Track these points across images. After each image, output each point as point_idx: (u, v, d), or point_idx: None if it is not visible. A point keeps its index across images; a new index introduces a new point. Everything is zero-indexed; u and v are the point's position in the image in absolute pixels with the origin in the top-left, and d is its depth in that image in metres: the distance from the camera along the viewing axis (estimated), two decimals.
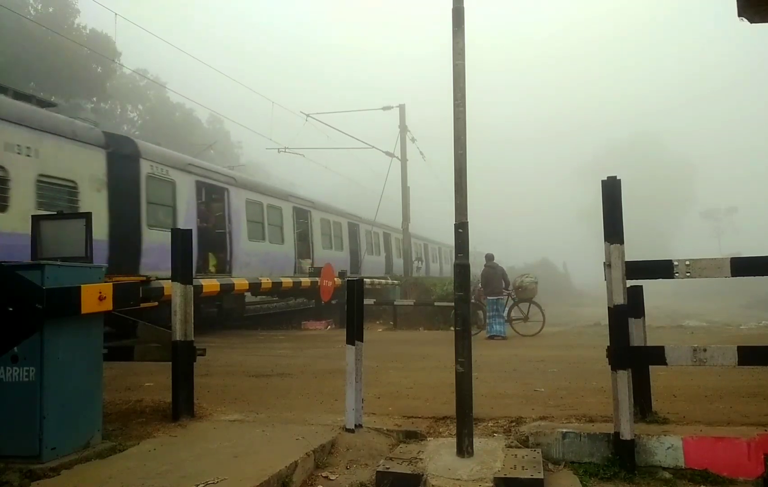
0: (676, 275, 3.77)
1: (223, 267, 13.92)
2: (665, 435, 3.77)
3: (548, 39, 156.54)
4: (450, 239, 37.81)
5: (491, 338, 12.75)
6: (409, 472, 3.48)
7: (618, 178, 3.87)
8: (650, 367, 4.36)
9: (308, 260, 18.51)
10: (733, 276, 3.70)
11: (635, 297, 4.25)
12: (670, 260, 3.82)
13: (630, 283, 3.91)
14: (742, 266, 3.69)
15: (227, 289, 12.99)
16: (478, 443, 3.90)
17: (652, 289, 5.14)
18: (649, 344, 4.33)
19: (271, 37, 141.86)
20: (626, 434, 3.63)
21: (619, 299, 3.77)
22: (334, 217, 21.43)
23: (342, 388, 4.52)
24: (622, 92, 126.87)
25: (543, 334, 13.30)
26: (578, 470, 3.72)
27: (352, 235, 23.07)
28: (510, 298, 13.74)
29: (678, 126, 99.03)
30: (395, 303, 17.01)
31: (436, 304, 16.23)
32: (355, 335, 4.49)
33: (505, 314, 13.24)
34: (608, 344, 3.84)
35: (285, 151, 23.51)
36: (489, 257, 13.82)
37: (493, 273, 13.44)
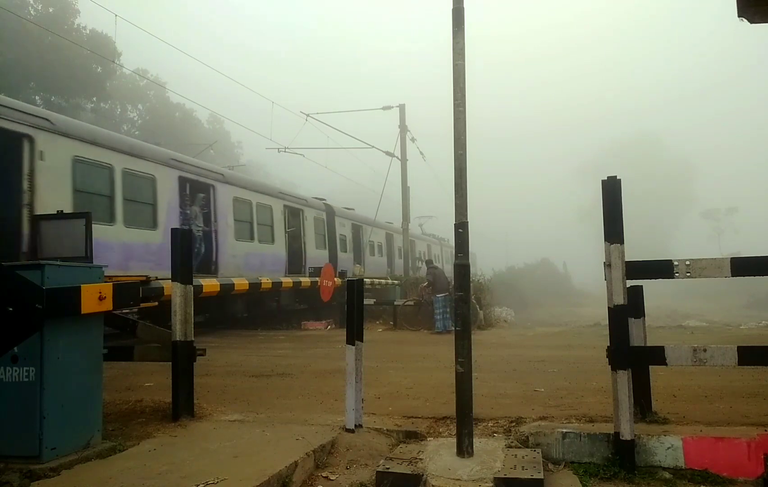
0: (676, 275, 3.77)
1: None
2: (665, 435, 3.77)
3: (548, 33, 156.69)
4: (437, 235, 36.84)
5: (441, 333, 13.67)
6: (409, 472, 3.48)
7: (618, 177, 3.87)
8: (650, 367, 4.36)
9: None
10: (733, 276, 3.69)
11: (635, 297, 4.25)
12: (671, 260, 3.82)
13: (630, 283, 3.91)
14: (742, 266, 3.68)
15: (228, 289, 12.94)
16: (478, 443, 3.90)
17: (652, 289, 5.14)
18: (649, 344, 4.33)
19: (272, 36, 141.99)
20: (626, 434, 3.63)
21: (619, 299, 3.77)
22: (260, 198, 15.32)
23: (342, 388, 4.52)
24: (621, 90, 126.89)
25: (543, 334, 13.35)
26: (578, 470, 3.72)
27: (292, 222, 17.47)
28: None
29: (678, 124, 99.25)
30: (395, 303, 17.02)
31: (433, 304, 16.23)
32: (355, 335, 4.49)
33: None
34: (608, 344, 3.84)
35: (285, 151, 23.51)
36: (429, 262, 16.70)
37: (440, 273, 15.30)
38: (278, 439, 4.01)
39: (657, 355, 3.84)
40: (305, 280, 16.78)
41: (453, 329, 14.56)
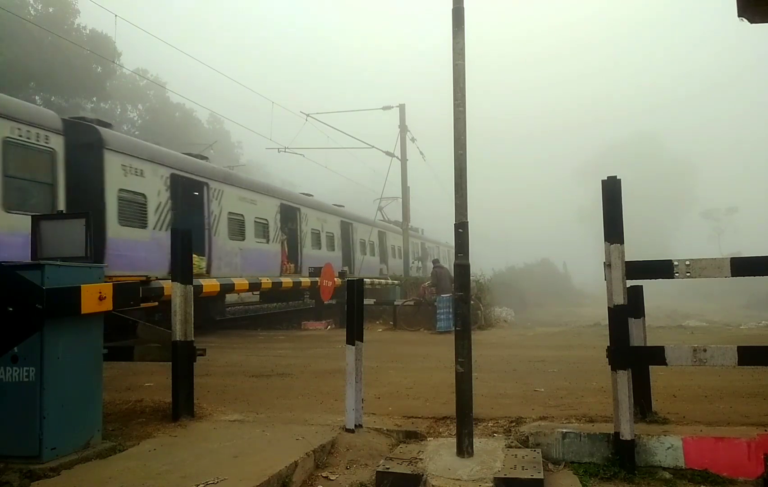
0: (676, 275, 3.77)
1: None
2: (665, 435, 3.77)
3: (548, 35, 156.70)
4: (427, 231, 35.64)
5: (442, 332, 13.81)
6: (409, 472, 3.48)
7: (618, 177, 3.87)
8: (650, 367, 4.36)
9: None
10: (733, 276, 3.69)
11: (635, 297, 4.25)
12: (670, 260, 3.82)
13: (630, 283, 3.91)
14: (742, 266, 3.68)
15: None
16: (478, 443, 3.90)
17: (652, 289, 5.14)
18: (649, 344, 4.33)
19: (272, 35, 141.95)
20: (626, 434, 3.63)
21: (619, 299, 3.77)
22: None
23: (342, 388, 4.52)
24: (621, 90, 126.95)
25: (543, 334, 13.36)
26: (578, 470, 3.72)
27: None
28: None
29: (678, 124, 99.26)
30: (395, 303, 17.03)
31: (436, 304, 16.25)
32: (355, 335, 4.49)
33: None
34: (608, 344, 3.84)
35: (285, 151, 23.52)
36: (436, 261, 16.74)
37: (445, 273, 15.33)
38: (278, 439, 4.01)
39: (657, 355, 3.84)
40: None
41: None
